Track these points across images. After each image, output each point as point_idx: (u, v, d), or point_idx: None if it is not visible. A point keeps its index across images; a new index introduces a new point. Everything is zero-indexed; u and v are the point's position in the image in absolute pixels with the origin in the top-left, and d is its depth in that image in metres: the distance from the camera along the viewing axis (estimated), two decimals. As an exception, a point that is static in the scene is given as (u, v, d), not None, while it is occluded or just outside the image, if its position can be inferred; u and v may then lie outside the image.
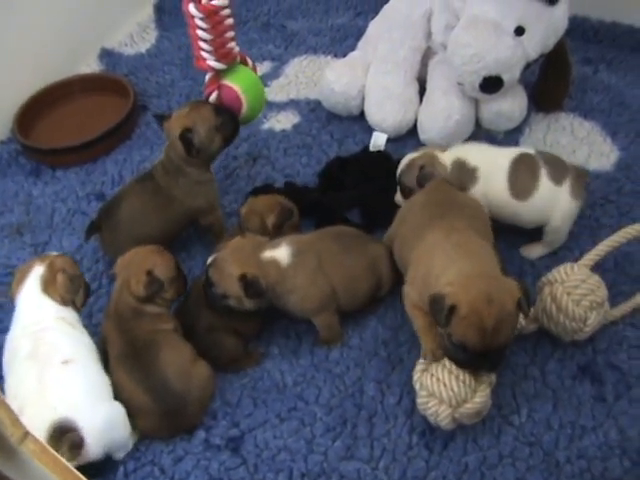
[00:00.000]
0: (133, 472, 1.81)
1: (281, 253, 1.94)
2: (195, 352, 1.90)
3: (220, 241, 2.13)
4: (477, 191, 2.12)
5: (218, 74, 2.27)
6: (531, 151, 2.16)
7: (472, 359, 1.67)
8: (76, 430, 1.68)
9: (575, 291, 1.87)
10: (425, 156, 2.18)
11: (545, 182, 2.08)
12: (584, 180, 2.11)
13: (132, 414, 1.84)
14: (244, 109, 2.30)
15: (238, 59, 2.30)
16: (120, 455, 1.83)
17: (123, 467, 1.81)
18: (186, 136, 2.14)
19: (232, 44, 2.23)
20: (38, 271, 1.94)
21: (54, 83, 2.97)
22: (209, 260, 1.94)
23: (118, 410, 1.80)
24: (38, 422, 1.65)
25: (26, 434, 1.81)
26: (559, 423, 1.80)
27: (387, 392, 1.89)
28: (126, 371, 1.82)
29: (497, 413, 1.82)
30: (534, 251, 2.15)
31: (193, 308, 2.00)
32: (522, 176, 2.09)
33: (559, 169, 2.10)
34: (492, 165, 2.13)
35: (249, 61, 2.37)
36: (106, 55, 3.22)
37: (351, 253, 2.01)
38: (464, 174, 2.13)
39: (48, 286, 1.93)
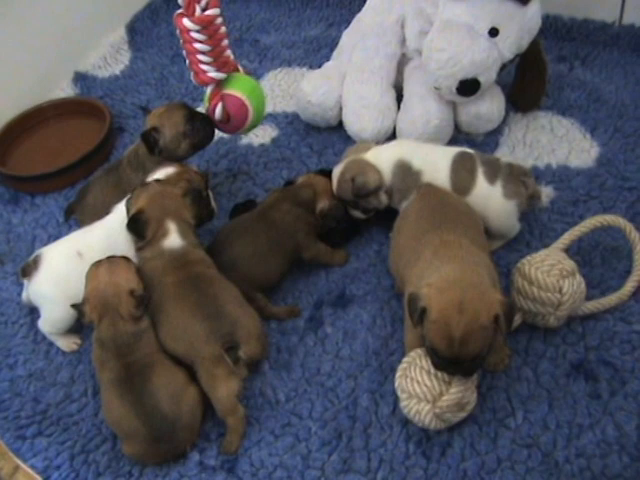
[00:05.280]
0: (128, 498, 1.79)
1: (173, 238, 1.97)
2: (188, 376, 1.86)
3: None
4: None
5: (219, 85, 2.27)
6: (470, 150, 2.18)
7: (443, 364, 1.66)
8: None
9: (542, 264, 1.88)
10: (353, 165, 2.16)
11: (481, 181, 2.10)
12: (519, 178, 2.11)
13: (121, 438, 1.84)
14: (251, 114, 2.31)
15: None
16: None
17: (118, 493, 1.79)
18: (150, 135, 2.23)
19: (229, 52, 2.25)
20: (167, 170, 2.12)
21: (29, 109, 2.95)
22: None
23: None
24: None
25: (17, 467, 1.80)
26: (556, 423, 1.78)
27: (381, 402, 1.87)
28: (118, 395, 1.79)
29: (492, 417, 1.81)
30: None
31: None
32: (462, 174, 2.11)
33: (493, 169, 2.11)
34: (434, 166, 2.13)
35: (240, 68, 2.36)
36: (80, 78, 3.20)
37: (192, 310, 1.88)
38: (408, 178, 2.13)
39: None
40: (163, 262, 1.95)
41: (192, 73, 2.25)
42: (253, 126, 2.40)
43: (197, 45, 2.17)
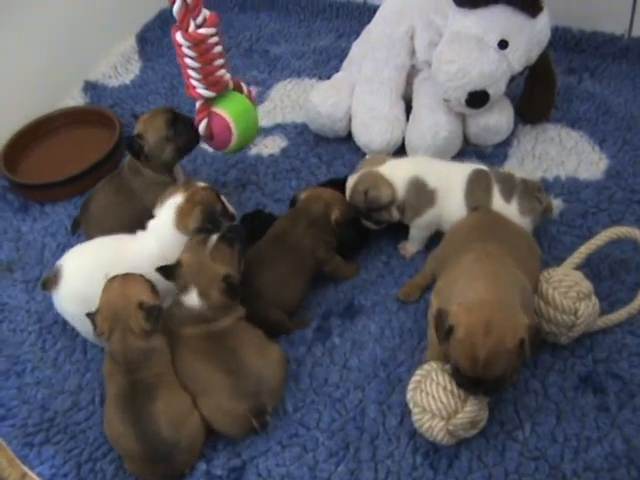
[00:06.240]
0: (134, 507, 1.79)
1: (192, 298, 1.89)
2: (193, 401, 1.85)
3: None
4: (432, 213, 2.15)
5: (208, 102, 2.27)
6: (485, 167, 2.18)
7: (466, 383, 1.66)
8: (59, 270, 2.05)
9: (560, 284, 1.86)
10: (366, 178, 2.16)
11: (497, 200, 2.10)
12: (534, 194, 2.11)
13: (121, 455, 1.84)
14: (234, 136, 2.30)
15: (231, 86, 2.30)
16: None
17: (124, 502, 1.79)
18: (133, 141, 2.23)
19: (221, 72, 2.23)
20: (176, 200, 2.03)
21: (39, 118, 2.96)
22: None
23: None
24: None
25: (24, 475, 1.80)
26: (563, 436, 1.77)
27: (388, 413, 1.87)
28: (119, 411, 1.78)
29: (500, 429, 1.80)
30: None
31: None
32: (477, 194, 2.11)
33: (509, 186, 2.11)
34: (449, 184, 2.14)
35: (244, 87, 2.37)
36: (90, 87, 3.21)
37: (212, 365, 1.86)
38: (423, 196, 2.14)
39: (181, 218, 2.02)
40: None
41: None
42: (239, 148, 2.40)
43: (187, 60, 2.16)
